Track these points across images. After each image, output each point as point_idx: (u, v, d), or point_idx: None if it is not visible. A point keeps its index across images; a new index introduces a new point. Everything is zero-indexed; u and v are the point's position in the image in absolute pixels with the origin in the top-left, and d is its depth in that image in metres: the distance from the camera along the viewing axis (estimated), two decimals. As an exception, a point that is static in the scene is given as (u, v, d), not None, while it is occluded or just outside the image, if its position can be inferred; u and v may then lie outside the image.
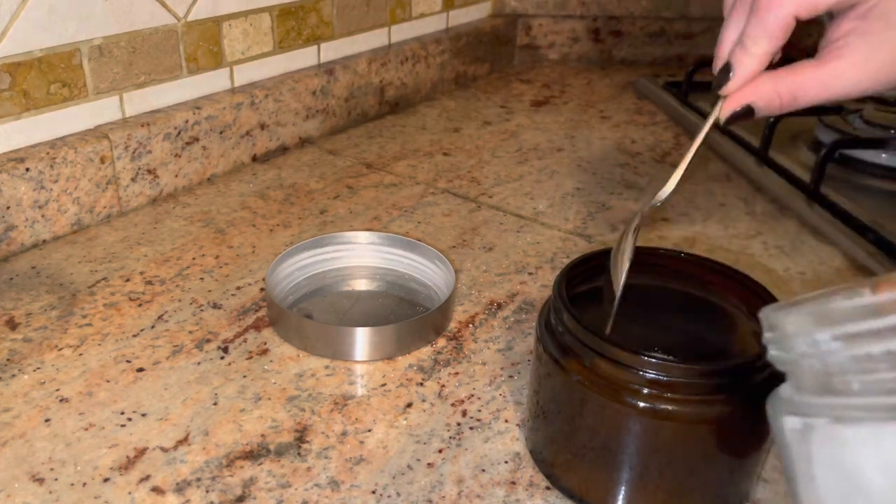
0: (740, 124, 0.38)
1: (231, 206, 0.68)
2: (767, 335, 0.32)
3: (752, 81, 0.35)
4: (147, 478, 0.39)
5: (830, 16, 0.35)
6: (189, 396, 0.45)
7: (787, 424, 0.30)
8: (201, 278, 0.57)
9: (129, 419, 0.43)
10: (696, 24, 1.18)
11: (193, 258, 0.60)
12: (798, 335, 0.29)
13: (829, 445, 0.28)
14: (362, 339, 0.48)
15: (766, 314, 0.31)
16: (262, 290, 0.56)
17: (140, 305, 0.53)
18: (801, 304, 0.30)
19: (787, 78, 0.34)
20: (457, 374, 0.48)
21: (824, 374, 0.28)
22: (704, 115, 0.90)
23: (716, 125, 0.37)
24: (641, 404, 0.34)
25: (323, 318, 0.54)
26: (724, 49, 0.37)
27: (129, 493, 0.38)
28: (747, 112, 0.36)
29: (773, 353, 0.31)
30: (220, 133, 0.73)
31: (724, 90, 0.36)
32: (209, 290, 0.56)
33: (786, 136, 0.85)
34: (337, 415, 0.44)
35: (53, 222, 0.61)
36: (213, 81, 0.74)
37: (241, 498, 0.38)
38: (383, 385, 0.47)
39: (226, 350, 0.49)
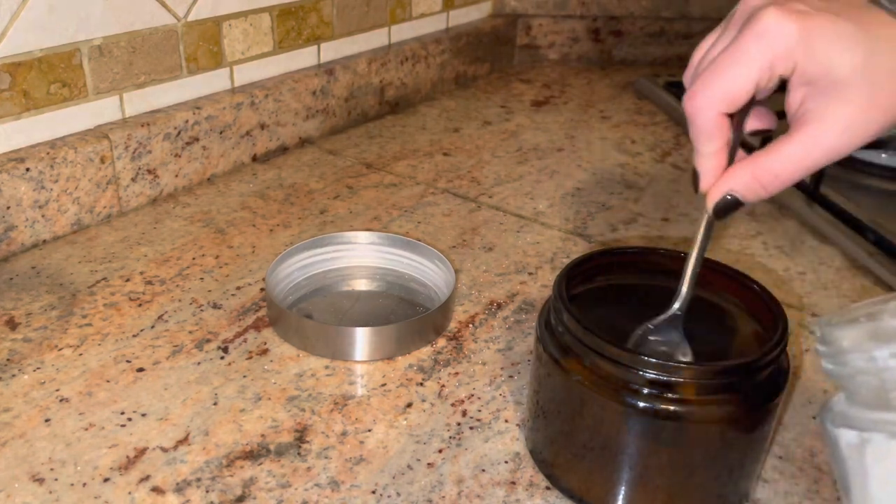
0: (736, 214, 0.37)
1: (231, 206, 0.68)
2: (821, 349, 0.32)
3: (726, 172, 0.36)
4: (147, 478, 0.39)
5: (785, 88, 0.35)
6: (189, 396, 0.45)
7: (844, 438, 0.30)
8: (201, 278, 0.57)
9: (129, 419, 0.43)
10: (696, 23, 1.18)
11: (193, 258, 0.60)
12: (854, 351, 0.30)
13: (885, 460, 0.29)
14: (362, 339, 0.48)
15: (821, 329, 0.32)
16: (262, 290, 0.56)
17: (140, 305, 0.53)
18: (855, 319, 0.30)
19: (760, 159, 0.34)
20: (457, 374, 0.48)
21: (881, 390, 0.29)
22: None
23: (712, 222, 0.37)
24: (641, 404, 0.34)
25: (323, 318, 0.54)
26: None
27: (129, 493, 0.38)
28: (732, 202, 0.36)
29: (827, 367, 0.32)
30: (220, 133, 0.73)
31: (700, 191, 0.37)
32: (209, 290, 0.56)
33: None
34: (337, 415, 0.44)
35: (53, 222, 0.61)
36: (213, 81, 0.74)
37: (241, 498, 0.38)
38: (383, 385, 0.47)
39: (226, 350, 0.49)
